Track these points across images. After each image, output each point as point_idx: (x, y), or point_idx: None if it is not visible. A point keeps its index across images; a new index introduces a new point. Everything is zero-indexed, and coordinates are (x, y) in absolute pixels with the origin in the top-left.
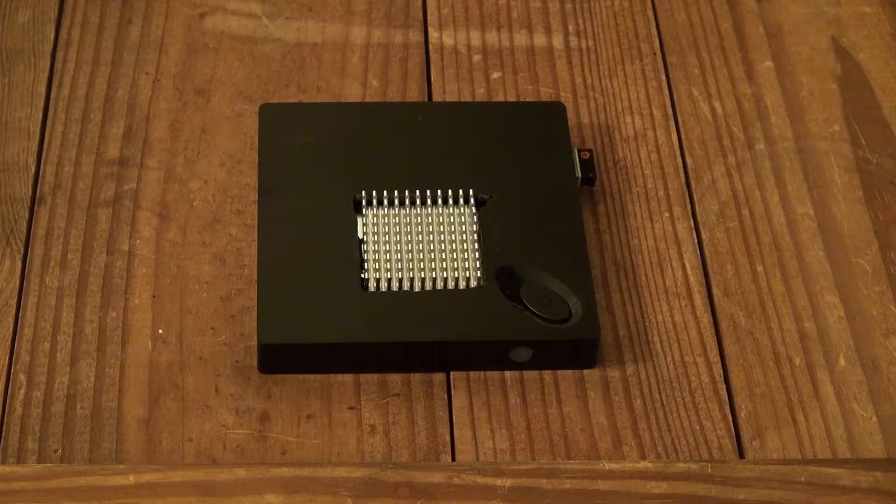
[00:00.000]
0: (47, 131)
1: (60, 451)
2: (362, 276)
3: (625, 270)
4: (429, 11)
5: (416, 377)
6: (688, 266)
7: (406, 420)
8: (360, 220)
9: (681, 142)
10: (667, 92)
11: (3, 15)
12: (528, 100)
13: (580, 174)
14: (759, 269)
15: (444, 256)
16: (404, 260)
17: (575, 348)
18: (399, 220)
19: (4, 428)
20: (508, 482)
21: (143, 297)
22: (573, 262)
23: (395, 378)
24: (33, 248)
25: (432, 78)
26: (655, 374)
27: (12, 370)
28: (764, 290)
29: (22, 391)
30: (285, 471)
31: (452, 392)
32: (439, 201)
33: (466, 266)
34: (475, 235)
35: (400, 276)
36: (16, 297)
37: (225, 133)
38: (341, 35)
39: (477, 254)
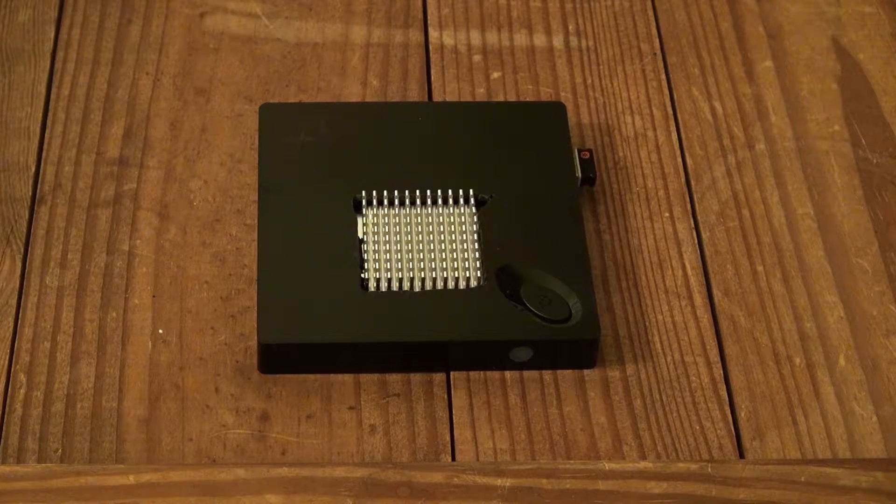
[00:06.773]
0: (47, 131)
1: (60, 451)
2: (362, 276)
3: (625, 270)
4: (429, 11)
5: (416, 377)
6: (688, 266)
7: (406, 420)
8: (360, 220)
9: (681, 142)
10: (667, 92)
11: (3, 15)
12: (528, 100)
13: (580, 174)
14: (760, 269)
15: (444, 256)
16: (404, 260)
17: (575, 348)
18: (399, 220)
19: (4, 428)
20: (508, 482)
21: (143, 296)
22: (573, 262)
23: (395, 378)
24: (33, 248)
25: (432, 78)
26: (655, 374)
27: (12, 370)
28: (764, 290)
29: (22, 391)
30: (285, 471)
31: (452, 392)
32: (439, 201)
33: (466, 266)
34: (475, 235)
35: (400, 276)
36: (16, 297)
37: (225, 133)
38: (341, 35)
39: (477, 254)
